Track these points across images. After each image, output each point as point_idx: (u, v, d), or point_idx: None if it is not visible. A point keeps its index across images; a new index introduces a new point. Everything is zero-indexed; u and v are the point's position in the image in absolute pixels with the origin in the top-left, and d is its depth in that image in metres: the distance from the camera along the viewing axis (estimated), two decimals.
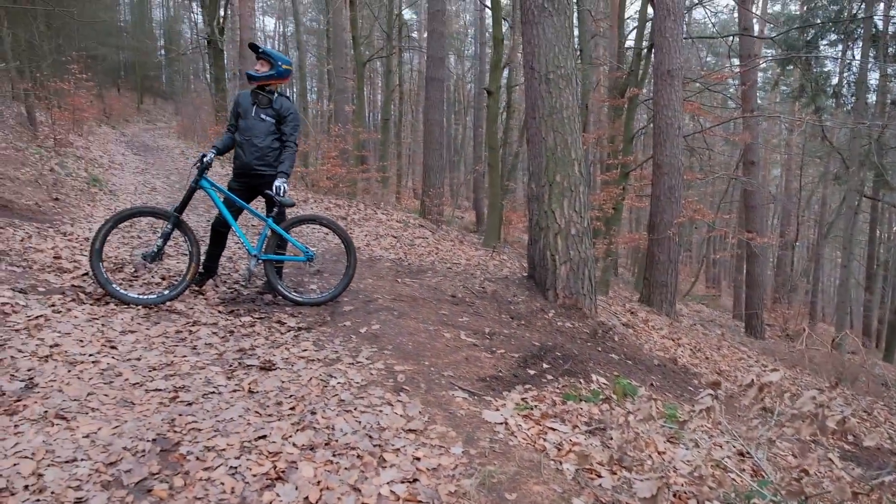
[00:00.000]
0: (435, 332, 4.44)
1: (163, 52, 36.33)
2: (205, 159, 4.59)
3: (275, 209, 4.79)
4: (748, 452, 2.42)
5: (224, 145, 4.84)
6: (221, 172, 12.83)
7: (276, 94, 4.79)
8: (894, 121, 14.74)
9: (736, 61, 16.79)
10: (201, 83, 31.58)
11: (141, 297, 4.38)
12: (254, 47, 4.74)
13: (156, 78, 36.31)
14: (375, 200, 13.56)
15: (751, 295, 14.01)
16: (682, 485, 2.40)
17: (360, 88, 14.73)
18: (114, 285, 4.32)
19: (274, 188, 4.66)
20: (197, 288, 4.84)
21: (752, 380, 2.03)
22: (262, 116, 4.72)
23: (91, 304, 4.23)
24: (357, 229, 8.89)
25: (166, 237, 4.55)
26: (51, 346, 3.47)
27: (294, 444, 2.77)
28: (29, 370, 3.18)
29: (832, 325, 20.67)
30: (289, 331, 4.22)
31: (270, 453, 2.69)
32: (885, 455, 4.69)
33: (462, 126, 37.04)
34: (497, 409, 3.26)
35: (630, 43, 15.72)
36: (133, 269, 5.18)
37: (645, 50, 12.15)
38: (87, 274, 4.88)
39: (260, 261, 4.77)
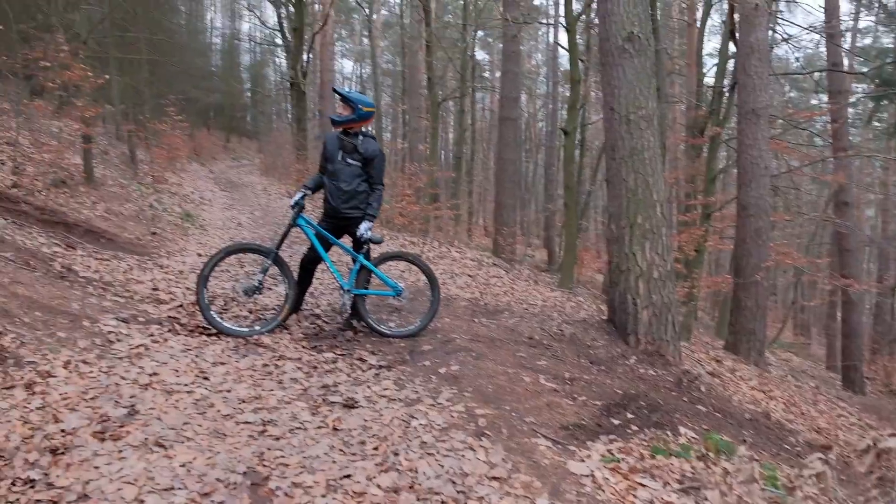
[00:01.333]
0: (514, 375, 4.40)
1: (249, 93, 38.47)
2: (300, 198, 4.81)
3: (364, 246, 4.93)
4: None
5: (315, 184, 5.04)
6: (309, 209, 13.32)
7: (361, 137, 4.91)
8: None
9: (823, 97, 16.15)
10: (283, 123, 33.21)
11: (234, 328, 4.58)
12: (336, 92, 4.92)
13: (242, 118, 38.44)
14: (449, 238, 13.71)
15: (847, 345, 13.13)
16: None
17: (434, 128, 15.07)
18: (212, 312, 4.55)
19: (359, 232, 4.81)
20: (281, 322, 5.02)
21: (868, 445, 1.91)
22: (349, 161, 4.84)
23: (185, 336, 4.46)
24: (432, 267, 9.00)
25: (265, 272, 4.75)
26: (150, 375, 3.66)
27: (378, 486, 2.79)
28: (131, 397, 3.36)
29: None
30: (370, 368, 4.29)
31: (356, 493, 2.72)
32: None
33: (533, 163, 37.11)
34: (582, 461, 3.18)
35: (709, 80, 15.42)
36: (223, 302, 5.43)
37: (727, 89, 11.89)
38: (181, 306, 5.15)
39: (351, 295, 4.90)
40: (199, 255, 8.01)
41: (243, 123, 38.97)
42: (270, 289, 6.07)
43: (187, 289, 5.85)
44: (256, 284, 4.76)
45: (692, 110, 14.07)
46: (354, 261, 5.00)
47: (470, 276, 8.77)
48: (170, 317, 4.85)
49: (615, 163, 6.04)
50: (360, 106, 4.84)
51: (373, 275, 5.03)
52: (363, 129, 4.96)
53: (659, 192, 5.90)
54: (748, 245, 8.95)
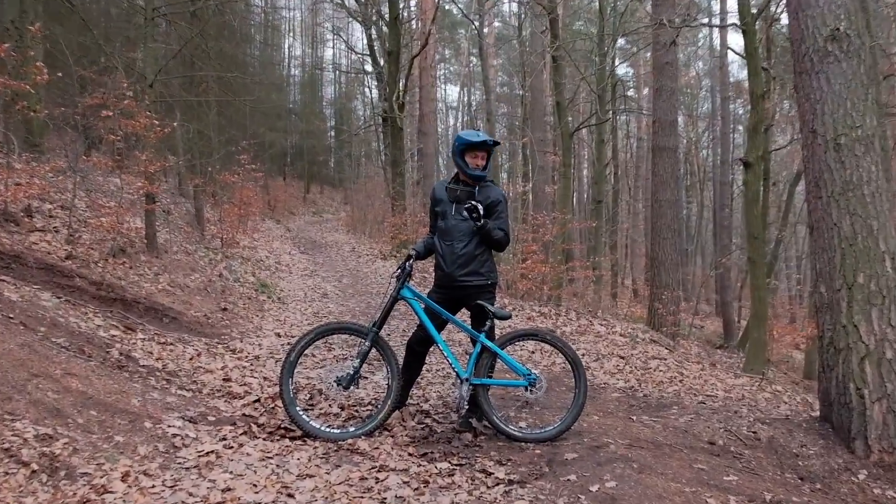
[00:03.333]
0: (693, 495, 4.15)
1: (333, 133, 40.70)
2: (406, 264, 4.93)
3: (487, 322, 4.94)
4: None
5: (425, 248, 5.18)
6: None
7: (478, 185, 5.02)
8: None
9: None
10: (374, 166, 34.73)
11: (323, 429, 4.66)
12: (490, 143, 4.94)
13: (324, 163, 40.67)
14: (589, 306, 13.51)
15: None
16: None
17: (566, 165, 15.13)
18: (297, 408, 4.68)
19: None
20: None
21: None
22: (464, 214, 4.94)
23: (264, 439, 4.60)
24: (572, 346, 8.89)
25: (363, 358, 4.84)
26: (223, 491, 3.78)
27: None
28: None
29: None
30: (497, 484, 4.20)
31: None
32: None
33: (697, 204, 36.21)
34: None
35: None
36: (308, 396, 5.58)
37: None
38: (258, 401, 5.35)
39: (471, 385, 4.89)
40: (279, 335, 8.36)
41: (326, 169, 41.19)
42: (366, 377, 6.19)
43: (265, 379, 6.09)
44: (351, 373, 4.84)
45: None
46: (474, 342, 5.00)
47: (622, 357, 8.58)
48: (245, 415, 5.04)
49: (821, 202, 5.73)
50: (494, 149, 5.03)
51: (498, 359, 5.00)
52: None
53: (888, 239, 5.50)
54: None
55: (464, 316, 5.24)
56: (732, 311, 22.67)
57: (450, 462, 4.52)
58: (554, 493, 4.08)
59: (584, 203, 33.64)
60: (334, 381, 4.91)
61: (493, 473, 4.36)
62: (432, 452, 4.67)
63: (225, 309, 8.83)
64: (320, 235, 23.45)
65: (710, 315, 29.34)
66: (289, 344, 7.76)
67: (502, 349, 4.95)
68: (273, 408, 5.24)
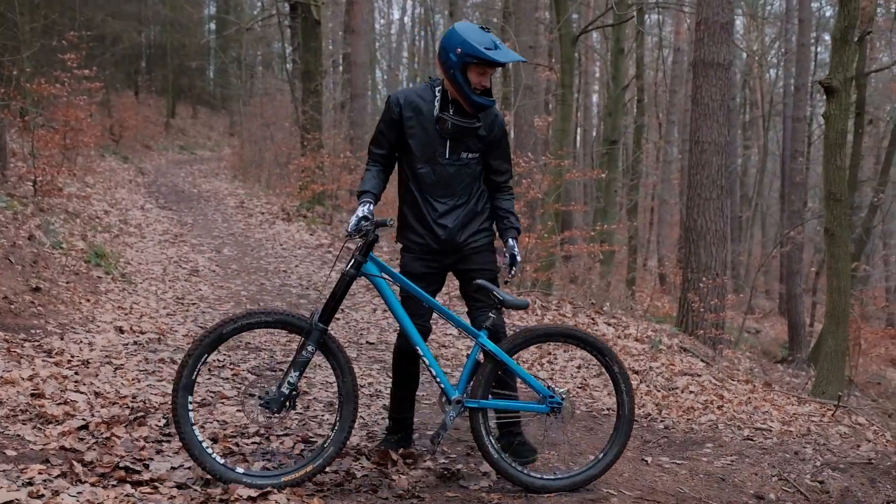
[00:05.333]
0: None
1: (213, 26, 40.06)
2: (371, 222, 4.70)
3: (491, 315, 4.96)
4: None
5: (382, 182, 5.19)
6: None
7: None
8: None
9: None
10: (277, 80, 34.24)
11: (247, 474, 4.52)
12: (514, 61, 5.15)
13: (198, 72, 40.01)
14: (591, 297, 13.60)
15: None
16: None
17: (565, 86, 15.16)
18: (198, 436, 4.47)
19: (506, 254, 5.09)
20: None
21: None
22: (464, 156, 5.03)
23: (92, 485, 4.52)
24: (565, 354, 8.93)
25: (302, 368, 4.68)
26: None
27: None
28: None
29: None
30: None
31: None
32: None
33: (758, 150, 36.59)
34: None
35: None
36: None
37: None
38: (85, 427, 5.29)
39: (464, 409, 4.90)
40: (121, 330, 8.25)
41: (201, 81, 40.55)
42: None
43: (97, 395, 6.01)
44: (285, 392, 4.62)
45: None
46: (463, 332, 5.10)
47: (635, 371, 8.72)
48: (64, 448, 4.97)
49: None
50: None
51: (505, 372, 5.08)
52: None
53: None
54: None
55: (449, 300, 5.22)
56: (803, 309, 22.95)
57: None
58: None
59: (590, 144, 33.68)
60: (259, 402, 4.67)
61: None
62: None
63: (37, 289, 8.68)
64: (191, 182, 23.22)
65: (770, 314, 29.77)
66: (136, 343, 7.71)
67: (512, 356, 4.98)
68: (108, 437, 5.15)
